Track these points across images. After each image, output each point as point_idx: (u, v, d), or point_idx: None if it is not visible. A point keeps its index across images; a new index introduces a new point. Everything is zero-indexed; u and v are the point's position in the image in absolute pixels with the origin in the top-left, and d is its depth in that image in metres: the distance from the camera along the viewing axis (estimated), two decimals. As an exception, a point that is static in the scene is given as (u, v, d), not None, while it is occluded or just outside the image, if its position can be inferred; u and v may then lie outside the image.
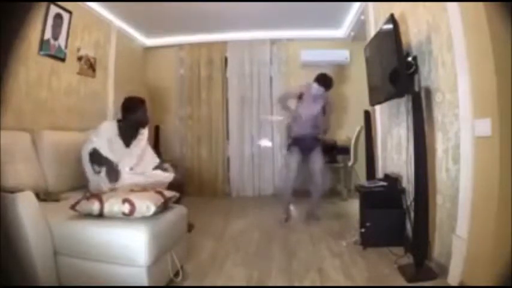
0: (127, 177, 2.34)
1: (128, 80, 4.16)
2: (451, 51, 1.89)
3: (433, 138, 2.13)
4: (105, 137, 2.37)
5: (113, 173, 2.28)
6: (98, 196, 1.73)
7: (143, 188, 1.97)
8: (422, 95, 2.16)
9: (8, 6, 1.01)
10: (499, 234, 1.50)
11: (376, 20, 3.17)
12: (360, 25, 3.82)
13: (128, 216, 1.65)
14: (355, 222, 2.80)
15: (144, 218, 1.66)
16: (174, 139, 4.87)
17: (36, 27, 2.63)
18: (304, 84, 3.39)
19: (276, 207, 3.50)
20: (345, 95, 4.66)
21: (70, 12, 2.99)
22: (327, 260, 2.28)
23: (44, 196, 2.02)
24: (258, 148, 4.80)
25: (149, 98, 3.73)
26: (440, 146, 2.07)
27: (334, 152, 4.29)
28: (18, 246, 1.55)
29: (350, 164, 4.28)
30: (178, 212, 2.00)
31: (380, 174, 3.09)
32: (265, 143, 4.80)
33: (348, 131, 4.49)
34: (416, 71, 2.20)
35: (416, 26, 2.34)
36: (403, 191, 2.49)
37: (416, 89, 2.20)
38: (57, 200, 2.06)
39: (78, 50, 3.22)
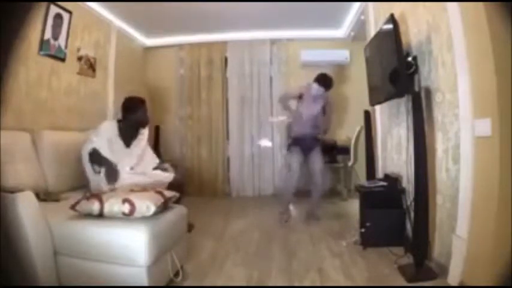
0: (127, 177, 2.34)
1: (128, 80, 4.16)
2: (451, 51, 1.89)
3: (433, 138, 2.13)
4: (105, 137, 2.37)
5: (112, 173, 2.28)
6: (98, 196, 1.73)
7: (143, 188, 1.97)
8: (422, 95, 2.16)
9: (8, 6, 1.01)
10: (499, 234, 1.50)
11: (376, 20, 3.17)
12: (360, 25, 3.82)
13: (128, 216, 1.65)
14: (355, 222, 2.80)
15: (144, 218, 1.66)
16: (174, 139, 4.87)
17: (36, 27, 2.63)
18: (304, 84, 3.39)
19: (276, 207, 3.50)
20: (345, 95, 4.66)
21: (70, 12, 2.99)
22: (327, 260, 2.28)
23: (44, 196, 2.02)
24: (258, 148, 4.80)
25: (149, 98, 3.73)
26: (440, 146, 2.07)
27: (334, 152, 4.29)
28: (18, 246, 1.55)
29: (350, 164, 4.28)
30: (178, 212, 2.00)
31: (380, 174, 3.09)
32: (265, 143, 4.80)
33: (348, 131, 4.49)
34: (416, 71, 2.20)
35: (416, 26, 2.34)
36: (403, 191, 2.49)
37: (416, 89, 2.20)
38: (57, 200, 2.06)
39: (78, 50, 3.22)
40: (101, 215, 1.67)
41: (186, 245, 2.15)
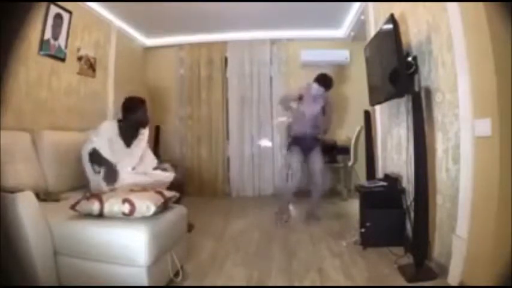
0: (128, 177, 2.34)
1: (128, 80, 4.16)
2: (451, 51, 1.89)
3: (433, 138, 2.13)
4: (105, 137, 2.37)
5: (111, 174, 2.28)
6: (98, 196, 1.73)
7: (143, 188, 1.97)
8: (422, 95, 2.16)
9: (8, 6, 1.01)
10: (499, 234, 1.50)
11: (376, 20, 3.17)
12: (360, 25, 3.82)
13: (128, 216, 1.65)
14: (355, 222, 2.80)
15: (144, 218, 1.66)
16: (174, 139, 4.87)
17: (36, 27, 2.63)
18: (304, 85, 3.39)
19: (276, 207, 3.50)
20: (345, 95, 4.66)
21: (70, 12, 2.99)
22: (327, 260, 2.28)
23: (44, 196, 2.02)
24: (258, 148, 4.80)
25: (149, 98, 3.73)
26: (440, 146, 2.07)
27: (334, 152, 4.29)
28: (18, 246, 1.55)
29: (350, 164, 4.28)
30: (178, 212, 2.00)
31: (380, 174, 3.09)
32: (265, 143, 4.80)
33: (348, 131, 4.49)
34: (416, 71, 2.20)
35: (416, 26, 2.34)
36: (403, 191, 2.49)
37: (416, 89, 2.20)
38: (57, 200, 2.06)
39: (78, 50, 3.22)
40: (101, 215, 1.67)
41: (186, 245, 2.15)
